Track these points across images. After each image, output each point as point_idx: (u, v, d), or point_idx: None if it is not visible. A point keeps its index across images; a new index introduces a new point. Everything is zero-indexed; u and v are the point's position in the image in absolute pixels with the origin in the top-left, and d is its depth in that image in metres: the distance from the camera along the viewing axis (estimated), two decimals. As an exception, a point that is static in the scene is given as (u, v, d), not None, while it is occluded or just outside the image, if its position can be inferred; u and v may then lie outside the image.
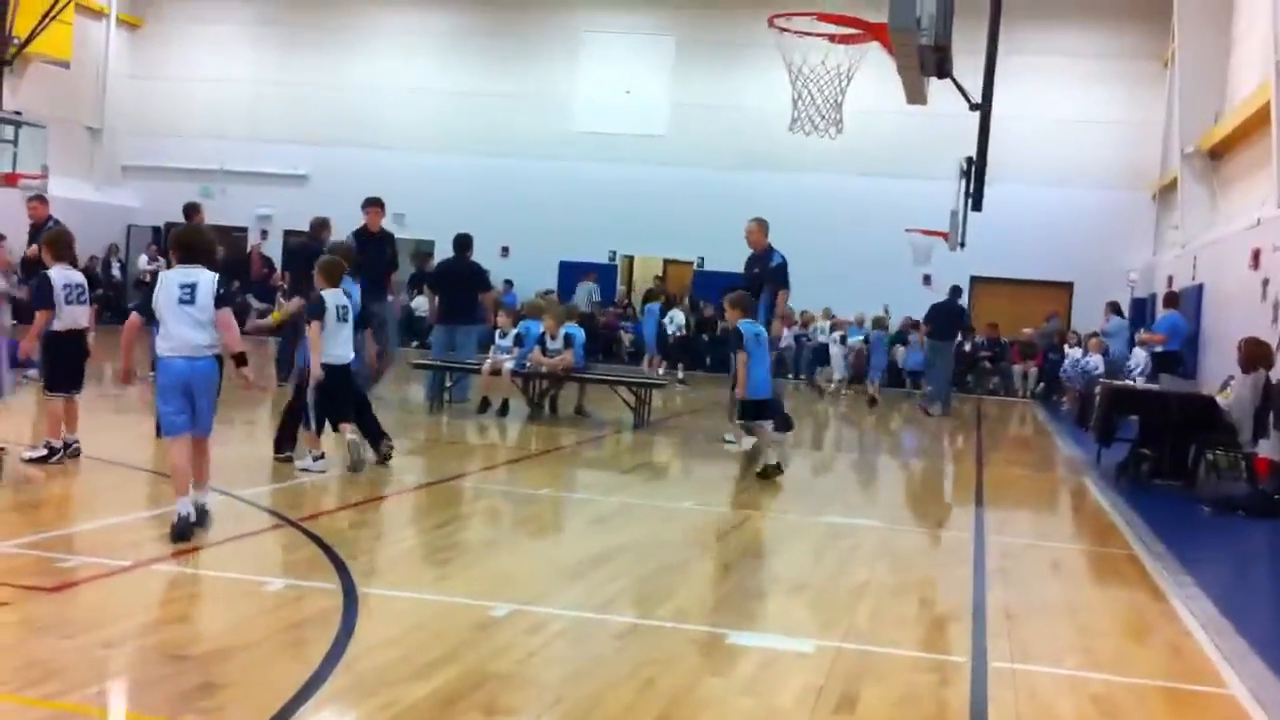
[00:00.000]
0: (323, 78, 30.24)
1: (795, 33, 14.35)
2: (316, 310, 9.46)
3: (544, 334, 14.72)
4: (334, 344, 9.52)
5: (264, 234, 30.25)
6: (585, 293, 27.22)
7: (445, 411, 14.81)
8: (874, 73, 14.71)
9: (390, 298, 15.47)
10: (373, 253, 13.17)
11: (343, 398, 9.63)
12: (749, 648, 5.64)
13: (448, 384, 15.29)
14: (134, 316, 7.50)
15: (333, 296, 9.63)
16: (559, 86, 29.40)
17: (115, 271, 29.68)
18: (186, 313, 6.99)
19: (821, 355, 24.74)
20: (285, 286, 17.25)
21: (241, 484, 8.60)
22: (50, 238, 9.40)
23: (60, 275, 9.10)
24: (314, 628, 5.43)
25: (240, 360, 7.27)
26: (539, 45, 29.58)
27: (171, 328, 7.01)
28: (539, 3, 29.66)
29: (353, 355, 9.82)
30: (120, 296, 29.64)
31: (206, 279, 7.08)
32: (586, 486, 10.54)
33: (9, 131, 22.86)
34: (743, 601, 6.63)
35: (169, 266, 7.32)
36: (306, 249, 16.88)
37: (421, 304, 26.40)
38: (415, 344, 25.39)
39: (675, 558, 7.58)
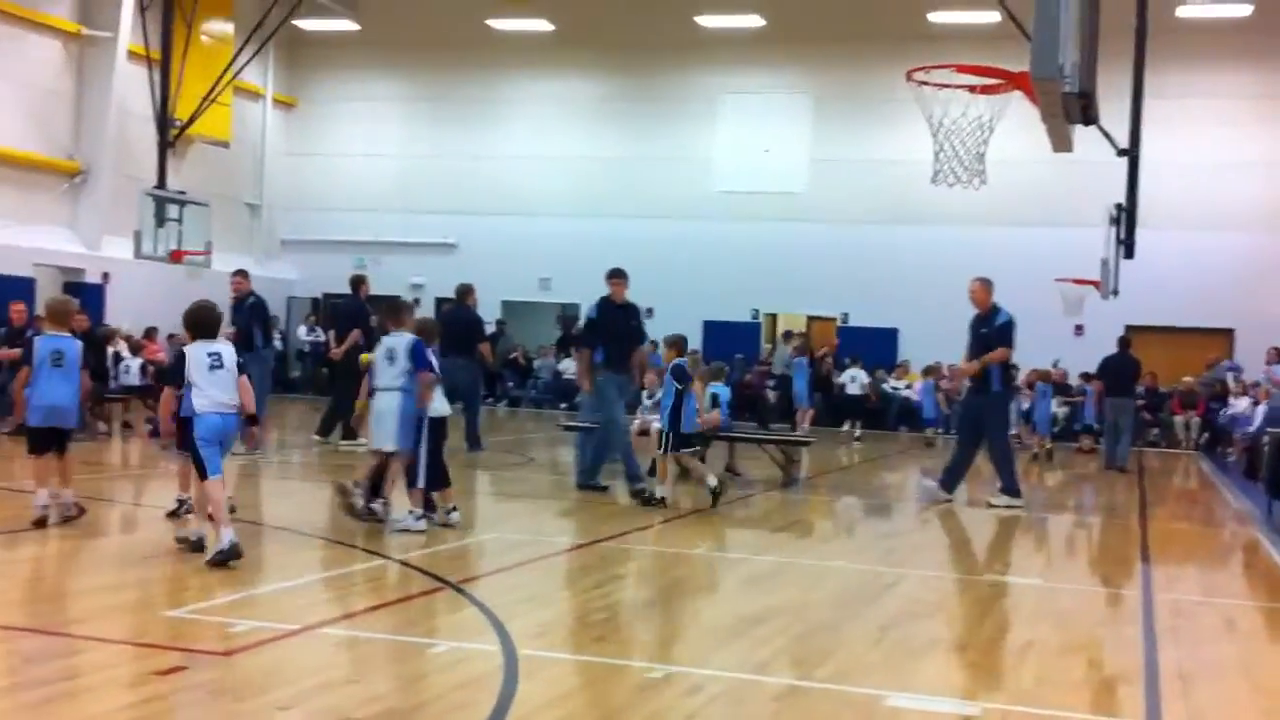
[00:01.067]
0: (468, 148, 31.05)
1: (934, 85, 14.29)
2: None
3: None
4: (439, 400, 10.01)
5: (417, 302, 30.99)
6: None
7: (597, 473, 14.90)
8: (1017, 122, 14.56)
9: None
10: (619, 323, 13.22)
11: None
12: (910, 710, 5.54)
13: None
14: (168, 390, 8.76)
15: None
16: (698, 148, 29.69)
17: (276, 342, 30.67)
18: (218, 376, 8.29)
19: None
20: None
21: (399, 548, 8.79)
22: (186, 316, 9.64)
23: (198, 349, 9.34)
24: (477, 689, 5.51)
25: (252, 420, 8.59)
26: (678, 108, 29.94)
27: (206, 389, 8.24)
28: (677, 67, 30.05)
29: (449, 410, 10.38)
30: (282, 366, 30.65)
31: (229, 349, 8.48)
32: (739, 546, 10.51)
33: (174, 210, 23.89)
34: (902, 662, 6.52)
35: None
36: (455, 314, 17.33)
37: (570, 366, 26.73)
38: (564, 406, 25.68)
39: (831, 617, 7.51)
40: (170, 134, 25.59)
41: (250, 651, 5.96)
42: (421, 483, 9.76)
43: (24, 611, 6.63)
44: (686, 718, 5.29)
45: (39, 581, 7.62)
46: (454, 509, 9.94)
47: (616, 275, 13.66)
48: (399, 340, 9.80)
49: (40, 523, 9.07)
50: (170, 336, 26.93)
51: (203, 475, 8.20)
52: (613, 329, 13.01)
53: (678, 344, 12.76)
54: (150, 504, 11.51)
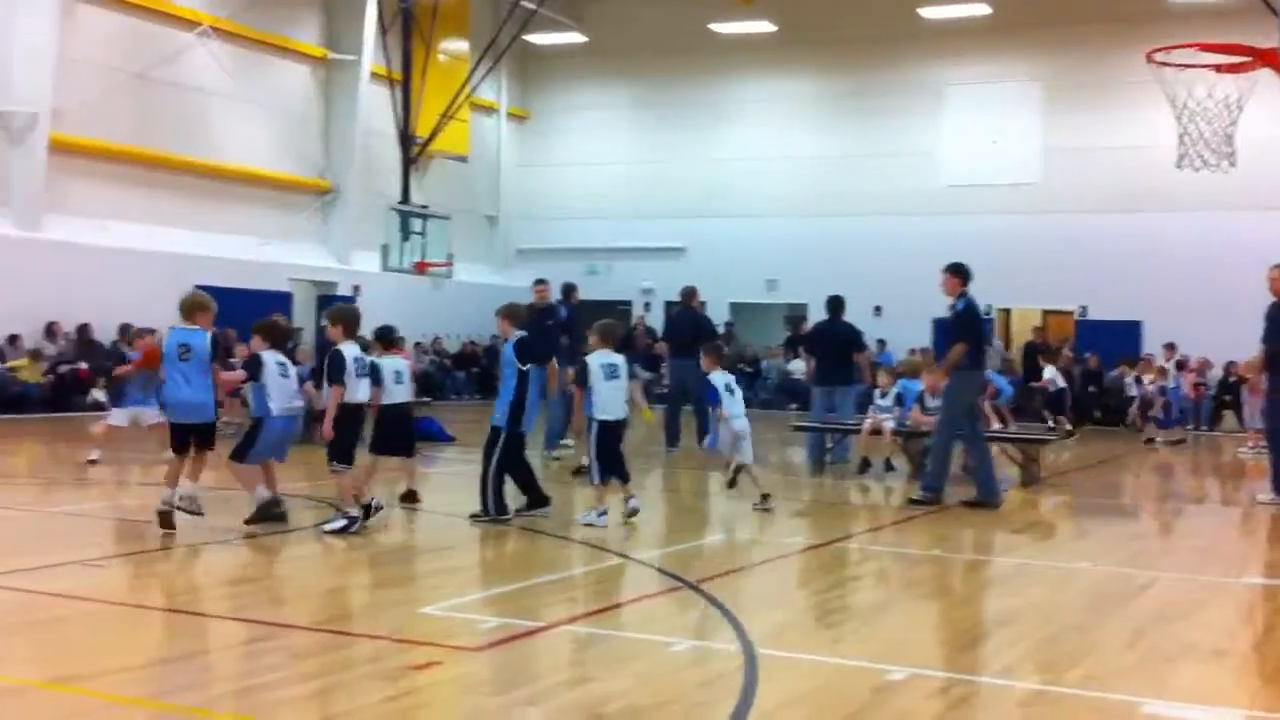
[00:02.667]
0: (694, 152, 31.33)
1: (1176, 66, 13.72)
2: (583, 373, 10.12)
3: (923, 392, 14.54)
4: (611, 402, 10.08)
5: (647, 306, 31.48)
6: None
7: (826, 473, 14.87)
8: (1269, 99, 13.82)
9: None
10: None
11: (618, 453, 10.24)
12: (1169, 718, 5.35)
13: (828, 445, 15.35)
14: (337, 388, 9.41)
15: (600, 357, 10.19)
16: (924, 142, 29.19)
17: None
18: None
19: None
20: (666, 356, 17.88)
21: (641, 548, 8.96)
22: (333, 314, 10.05)
23: (349, 351, 9.68)
24: (718, 688, 5.58)
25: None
26: (902, 103, 29.50)
27: (276, 394, 9.36)
28: (900, 61, 29.62)
29: (624, 413, 10.36)
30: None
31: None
32: (977, 547, 10.30)
33: (418, 224, 24.93)
34: (1157, 667, 6.29)
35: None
36: (681, 316, 17.51)
37: (798, 366, 26.66)
38: (794, 406, 25.62)
39: (1078, 620, 7.29)
40: (412, 150, 26.71)
41: (500, 648, 6.19)
42: (597, 479, 10.02)
43: (288, 610, 7.04)
44: (929, 720, 5.24)
45: (301, 581, 8.07)
46: (632, 497, 10.19)
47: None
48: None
49: (165, 519, 9.08)
50: (417, 345, 28.11)
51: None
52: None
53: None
54: (403, 506, 12.05)
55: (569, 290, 17.02)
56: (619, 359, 10.33)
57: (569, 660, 6.17)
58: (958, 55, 29.19)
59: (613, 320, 10.84)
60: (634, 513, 10.08)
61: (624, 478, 10.22)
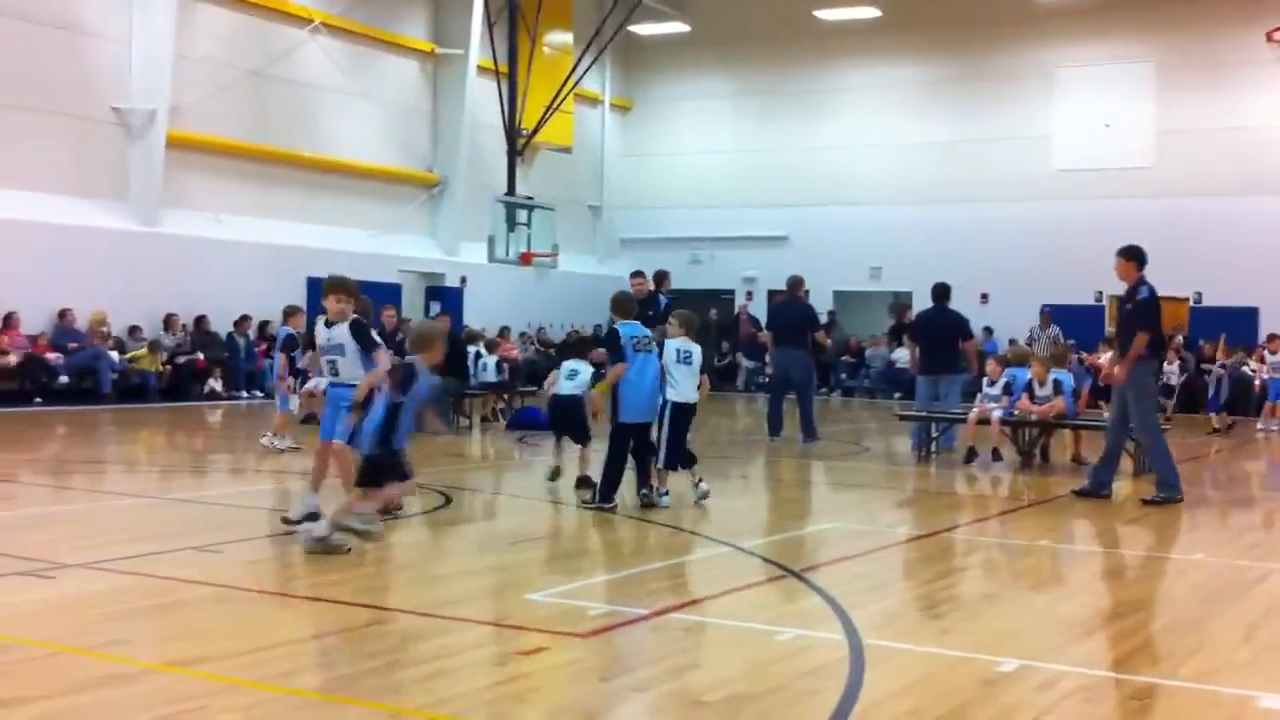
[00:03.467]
0: (797, 140, 31.17)
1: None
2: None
3: (1031, 380, 14.35)
4: (684, 386, 10.18)
5: (749, 295, 31.41)
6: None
7: (932, 462, 14.73)
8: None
9: None
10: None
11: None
12: (1285, 713, 5.24)
13: (934, 434, 15.21)
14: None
15: (676, 342, 10.32)
16: (1034, 126, 28.70)
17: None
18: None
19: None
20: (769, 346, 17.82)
21: (745, 536, 8.98)
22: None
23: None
24: (824, 677, 5.58)
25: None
26: (1010, 87, 29.03)
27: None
28: (1009, 44, 29.13)
29: (695, 397, 10.40)
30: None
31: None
32: (1086, 538, 10.14)
33: (523, 215, 25.15)
34: (1273, 662, 6.15)
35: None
36: (786, 306, 17.45)
37: (902, 355, 26.38)
38: (898, 395, 25.39)
39: (1192, 614, 7.15)
40: (517, 143, 26.96)
41: (606, 634, 6.25)
42: (662, 463, 10.14)
43: (399, 596, 7.19)
44: (1040, 714, 5.18)
45: (411, 568, 8.22)
46: (665, 492, 10.25)
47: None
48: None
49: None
50: (522, 334, 28.41)
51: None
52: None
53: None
54: (507, 492, 12.23)
55: (661, 278, 17.07)
56: (694, 346, 10.36)
57: (675, 647, 6.22)
58: (1068, 37, 28.63)
59: (689, 310, 10.89)
60: (704, 496, 10.24)
61: (689, 463, 10.32)
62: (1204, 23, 26.87)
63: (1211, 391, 20.23)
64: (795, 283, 17.25)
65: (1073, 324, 26.61)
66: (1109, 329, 27.59)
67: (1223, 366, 21.66)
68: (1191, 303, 26.87)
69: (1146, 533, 10.46)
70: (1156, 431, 11.54)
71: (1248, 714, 5.26)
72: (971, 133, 29.22)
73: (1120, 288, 11.80)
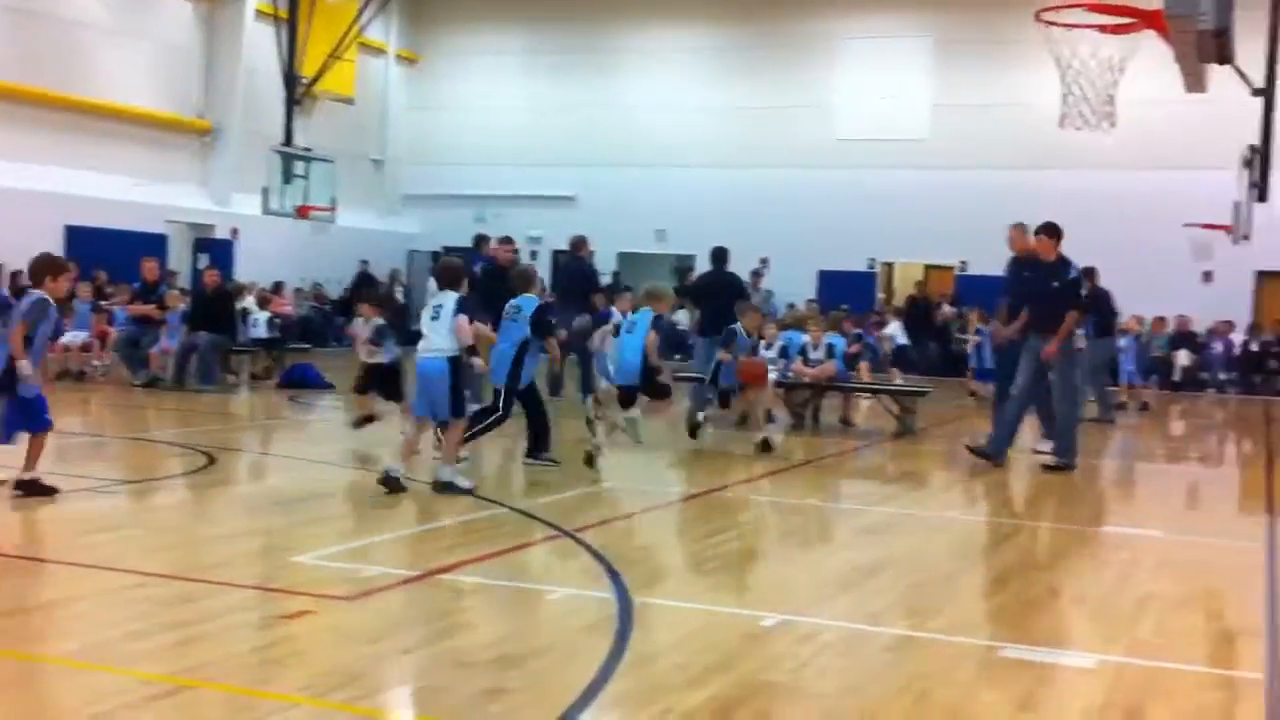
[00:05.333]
0: (588, 100, 31.14)
1: (1064, 25, 13.93)
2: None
3: (806, 344, 14.73)
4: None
5: (534, 255, 31.30)
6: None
7: (708, 423, 14.96)
8: (1148, 62, 14.14)
9: None
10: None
11: None
12: (1026, 662, 5.52)
13: (709, 395, 15.42)
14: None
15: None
16: (818, 95, 29.37)
17: (399, 295, 31.26)
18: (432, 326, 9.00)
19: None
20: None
21: (518, 496, 8.96)
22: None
23: None
24: (593, 635, 5.62)
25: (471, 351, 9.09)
26: (797, 55, 29.62)
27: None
28: (796, 13, 29.70)
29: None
30: (404, 320, 31.18)
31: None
32: (852, 497, 10.50)
33: (300, 167, 24.44)
34: (1018, 614, 6.49)
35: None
36: (569, 266, 17.46)
37: (685, 317, 26.75)
38: (678, 357, 25.75)
39: (946, 569, 7.49)
40: (297, 91, 26.14)
41: (375, 596, 6.15)
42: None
43: (159, 559, 6.91)
44: (799, 665, 5.34)
45: (173, 530, 7.93)
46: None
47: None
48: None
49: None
50: (297, 290, 27.66)
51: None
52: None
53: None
54: (276, 453, 11.91)
55: (480, 241, 16.88)
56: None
57: (444, 609, 6.16)
58: (853, 9, 29.37)
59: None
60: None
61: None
62: (978, 1, 27.93)
63: (974, 360, 21.13)
64: (578, 242, 17.24)
65: (848, 290, 27.54)
66: (879, 295, 28.62)
67: (978, 333, 22.67)
68: (958, 270, 28.03)
69: (907, 492, 10.89)
70: (1076, 402, 12.05)
71: (991, 663, 5.52)
72: (758, 99, 29.72)
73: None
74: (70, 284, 9.12)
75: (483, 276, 14.04)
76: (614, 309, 15.97)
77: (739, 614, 6.08)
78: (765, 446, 12.08)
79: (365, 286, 27.98)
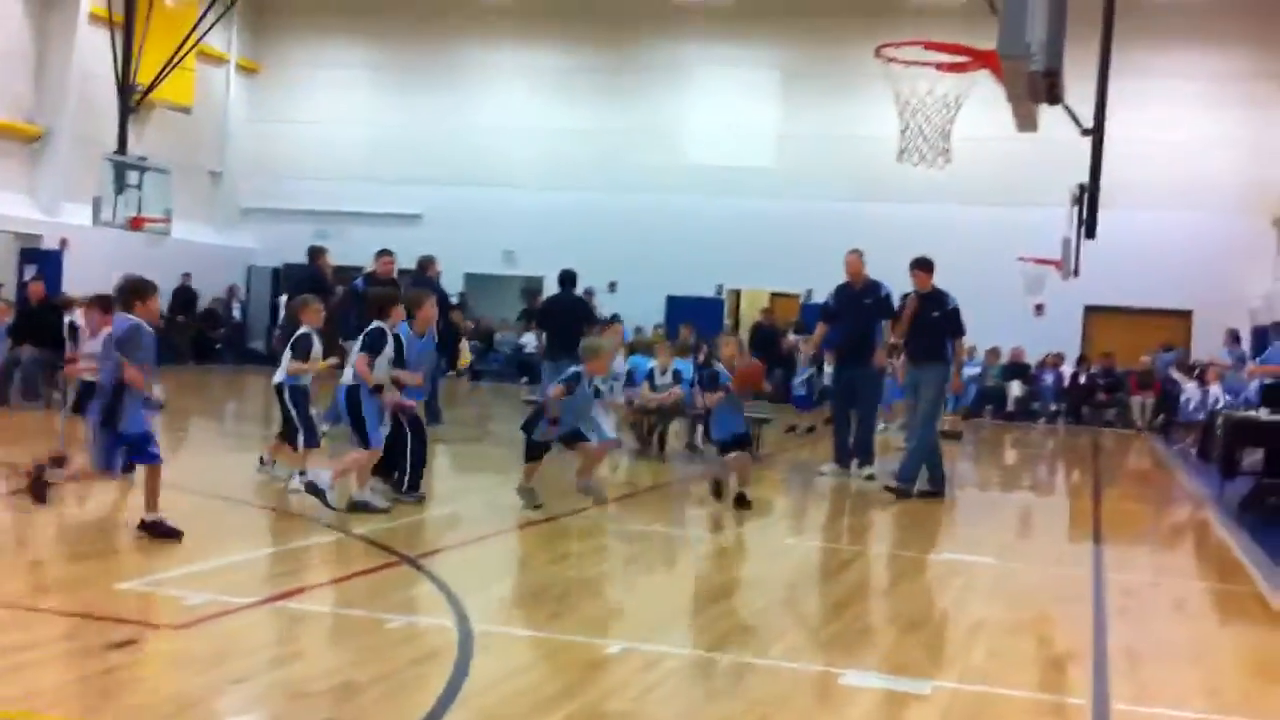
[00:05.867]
0: (436, 118, 30.84)
1: (903, 62, 14.28)
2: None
3: (653, 369, 14.79)
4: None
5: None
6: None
7: (554, 447, 14.89)
8: (983, 100, 14.56)
9: None
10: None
11: None
12: (863, 688, 5.59)
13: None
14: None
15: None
16: (667, 121, 29.61)
17: (235, 312, 30.48)
18: None
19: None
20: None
21: (359, 523, 8.76)
22: None
23: None
24: (432, 664, 5.52)
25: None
26: (649, 80, 29.84)
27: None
28: (648, 38, 29.94)
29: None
30: (241, 337, 30.41)
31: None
32: (697, 523, 10.54)
33: (134, 176, 23.66)
34: (856, 640, 6.58)
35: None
36: (416, 287, 17.21)
37: (531, 340, 26.67)
38: (525, 380, 25.65)
39: (787, 595, 7.56)
40: (132, 99, 25.33)
41: (204, 625, 5.95)
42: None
43: (-25, 583, 6.57)
44: (641, 693, 5.32)
45: (-9, 552, 7.55)
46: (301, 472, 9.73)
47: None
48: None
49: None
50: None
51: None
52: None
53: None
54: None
55: (315, 253, 16.58)
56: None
57: (278, 638, 5.99)
58: (703, 37, 29.72)
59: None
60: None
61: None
62: (825, 35, 28.51)
63: (804, 389, 21.44)
64: (425, 262, 17.09)
65: (696, 316, 27.79)
66: (726, 322, 28.93)
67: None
68: (803, 299, 28.51)
69: (750, 518, 10.98)
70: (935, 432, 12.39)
71: (829, 690, 5.58)
72: (610, 123, 29.82)
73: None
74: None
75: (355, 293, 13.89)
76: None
77: (581, 642, 6.03)
78: (742, 501, 10.65)
79: (185, 301, 27.06)
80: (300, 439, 9.93)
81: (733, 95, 29.27)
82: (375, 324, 9.14)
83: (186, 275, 27.69)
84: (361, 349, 9.02)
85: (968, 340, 14.13)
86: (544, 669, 5.62)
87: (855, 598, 7.65)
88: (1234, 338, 23.04)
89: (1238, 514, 12.01)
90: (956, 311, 12.41)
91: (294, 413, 9.96)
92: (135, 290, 8.00)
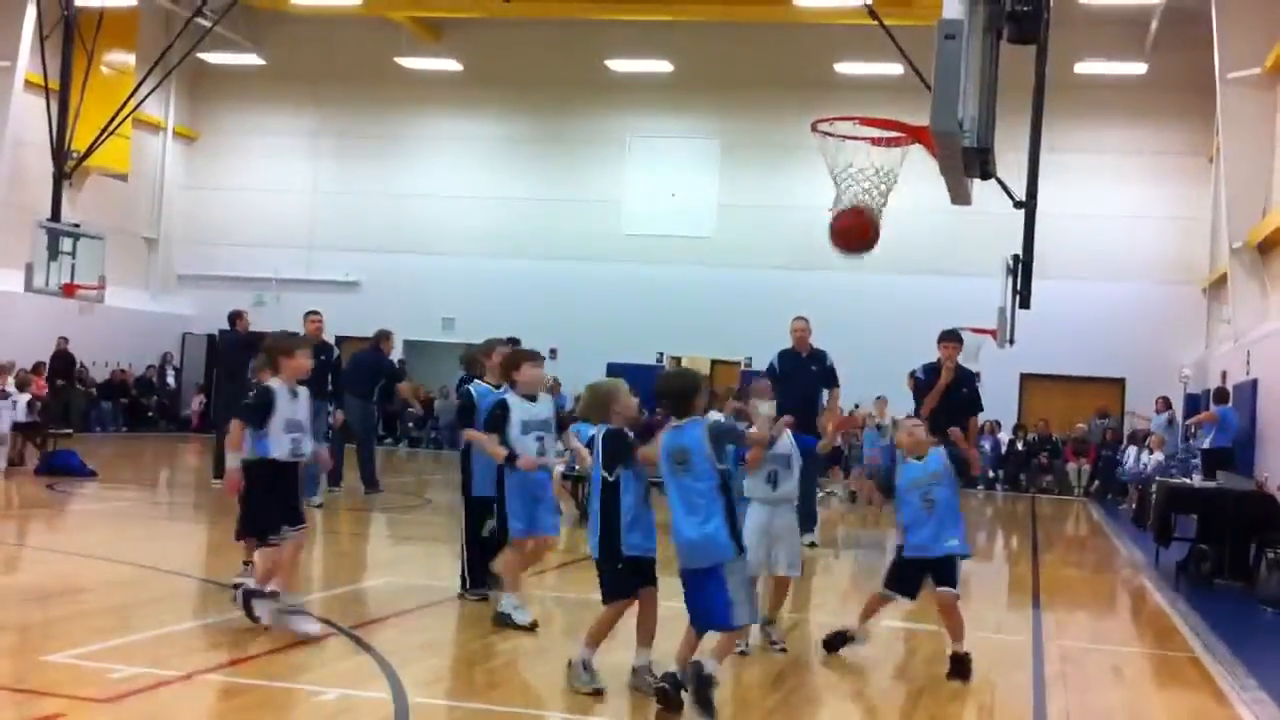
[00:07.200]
0: (375, 186, 30.84)
1: (838, 136, 14.48)
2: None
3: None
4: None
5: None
6: None
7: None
8: (917, 172, 14.77)
9: None
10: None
11: None
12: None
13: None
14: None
15: None
16: (607, 190, 29.83)
17: (170, 379, 30.10)
18: None
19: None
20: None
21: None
22: None
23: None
24: (366, 739, 5.40)
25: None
26: (587, 150, 30.07)
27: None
28: (586, 110, 30.20)
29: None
30: (175, 404, 30.00)
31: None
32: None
33: (68, 243, 23.39)
34: (799, 708, 6.53)
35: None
36: (362, 357, 17.14)
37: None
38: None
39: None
40: (67, 165, 25.10)
41: (134, 698, 5.79)
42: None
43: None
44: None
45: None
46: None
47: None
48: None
49: None
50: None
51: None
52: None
53: None
54: (31, 545, 11.19)
55: (234, 317, 16.49)
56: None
57: (208, 712, 5.83)
58: (642, 109, 30.03)
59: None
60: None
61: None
62: (762, 107, 28.92)
63: None
64: (381, 336, 17.25)
65: (636, 383, 27.67)
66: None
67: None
68: (743, 366, 28.64)
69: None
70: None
71: None
72: (548, 192, 29.98)
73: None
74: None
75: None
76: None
77: (521, 713, 5.93)
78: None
79: (64, 366, 25.91)
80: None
81: (671, 166, 29.58)
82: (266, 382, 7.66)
83: (64, 339, 25.78)
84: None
85: (904, 406, 14.04)
86: (482, 742, 5.51)
87: (797, 667, 7.59)
88: (1165, 403, 23.45)
89: (1173, 580, 12.12)
90: (976, 391, 12.05)
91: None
92: (278, 349, 7.66)
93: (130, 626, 7.51)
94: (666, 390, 6.52)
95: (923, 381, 11.62)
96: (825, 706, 6.65)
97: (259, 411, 7.42)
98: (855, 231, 8.89)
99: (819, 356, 13.62)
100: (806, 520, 13.33)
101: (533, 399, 8.19)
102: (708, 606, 6.13)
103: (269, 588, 7.46)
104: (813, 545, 12.91)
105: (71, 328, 25.96)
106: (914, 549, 7.40)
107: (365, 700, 6.01)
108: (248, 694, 6.18)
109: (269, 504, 7.51)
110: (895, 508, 7.55)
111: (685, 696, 5.94)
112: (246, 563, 8.27)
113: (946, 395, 11.55)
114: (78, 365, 26.42)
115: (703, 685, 5.87)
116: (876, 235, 10.07)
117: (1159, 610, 10.64)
